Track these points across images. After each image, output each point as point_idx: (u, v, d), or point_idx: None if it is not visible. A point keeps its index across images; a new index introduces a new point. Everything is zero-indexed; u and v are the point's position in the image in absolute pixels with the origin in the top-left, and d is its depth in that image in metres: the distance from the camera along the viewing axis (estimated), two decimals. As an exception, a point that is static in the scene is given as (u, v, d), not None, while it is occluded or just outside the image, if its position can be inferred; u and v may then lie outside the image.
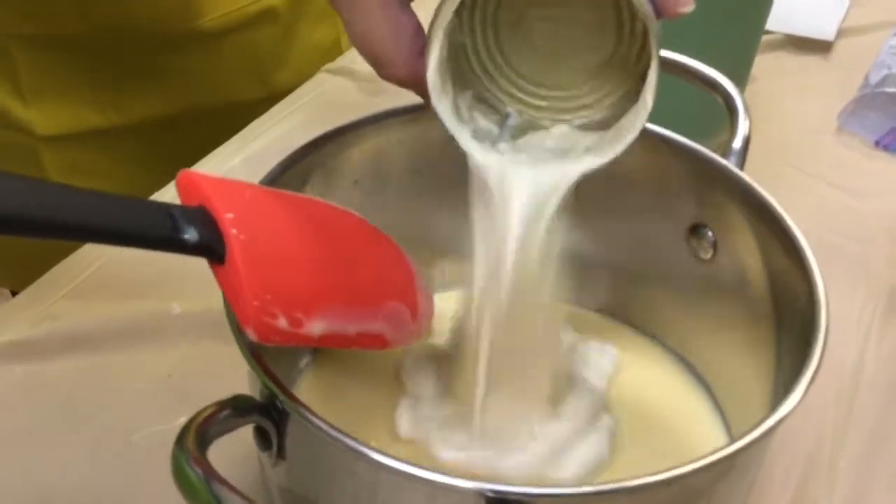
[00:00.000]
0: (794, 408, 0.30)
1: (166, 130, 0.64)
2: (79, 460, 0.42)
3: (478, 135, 0.35)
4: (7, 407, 0.44)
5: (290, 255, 0.31)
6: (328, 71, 0.69)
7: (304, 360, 0.44)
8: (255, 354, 0.30)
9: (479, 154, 0.34)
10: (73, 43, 0.59)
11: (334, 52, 0.72)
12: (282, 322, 0.30)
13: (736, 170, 0.40)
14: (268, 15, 0.66)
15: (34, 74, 0.60)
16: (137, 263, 0.51)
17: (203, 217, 0.29)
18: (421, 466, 0.28)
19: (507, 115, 0.37)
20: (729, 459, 0.29)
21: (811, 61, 0.74)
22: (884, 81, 0.66)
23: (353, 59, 0.70)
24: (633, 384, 0.45)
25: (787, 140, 0.66)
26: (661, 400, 0.45)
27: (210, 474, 0.25)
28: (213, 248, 0.29)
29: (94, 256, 0.51)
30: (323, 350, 0.45)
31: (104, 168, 0.64)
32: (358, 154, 0.42)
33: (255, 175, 0.38)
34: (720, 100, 0.43)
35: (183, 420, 0.42)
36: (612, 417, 0.42)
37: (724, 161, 0.40)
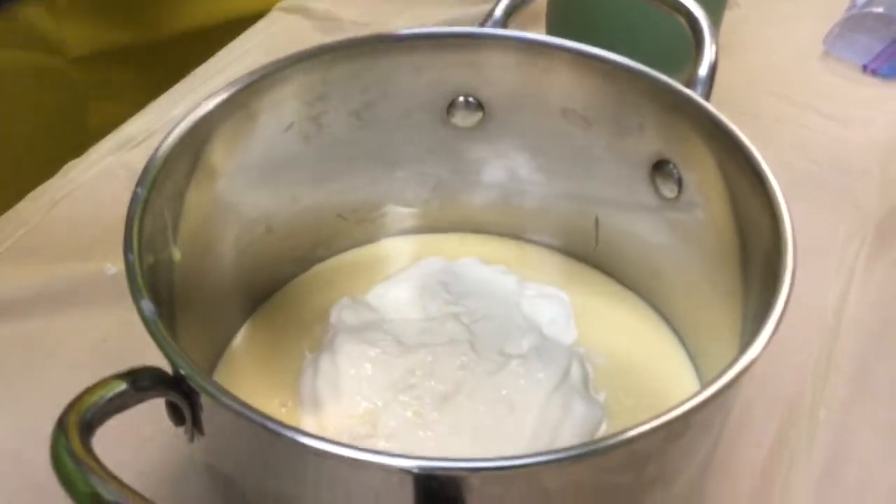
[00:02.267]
0: (753, 361, 0.27)
1: (198, 46, 0.62)
2: (6, 436, 0.40)
3: None
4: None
5: None
6: (282, 9, 0.65)
7: (242, 319, 0.42)
8: (156, 322, 0.27)
9: None
10: None
11: None
12: None
13: (701, 100, 0.37)
14: None
15: None
16: (68, 225, 0.48)
17: None
18: (337, 443, 0.25)
19: None
20: (682, 419, 0.26)
21: (797, -18, 0.70)
22: (871, 1, 0.62)
23: (306, -4, 0.66)
24: (599, 330, 0.43)
25: (771, 67, 0.62)
26: (629, 346, 0.42)
27: (85, 465, 0.22)
28: None
29: (20, 221, 0.48)
30: (262, 310, 0.42)
31: (136, 87, 0.62)
32: (290, 95, 0.38)
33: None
34: (684, 22, 0.39)
35: (118, 389, 0.39)
36: (584, 369, 0.40)
37: (687, 91, 0.37)
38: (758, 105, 0.59)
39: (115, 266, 0.45)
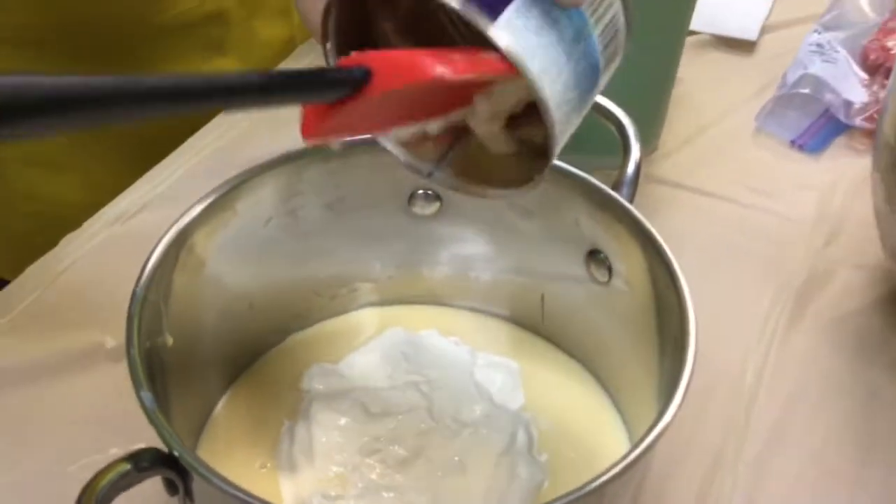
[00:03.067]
0: (654, 441, 0.33)
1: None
2: (19, 491, 0.44)
3: None
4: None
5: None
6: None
7: (224, 388, 0.47)
8: (154, 411, 0.33)
9: None
10: (30, 37, 0.61)
11: (288, 48, 0.75)
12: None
13: (625, 202, 0.42)
14: (219, 16, 0.68)
15: None
16: (69, 297, 0.53)
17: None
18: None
19: None
20: (597, 490, 0.32)
21: (736, 60, 0.76)
22: (800, 81, 0.68)
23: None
24: (544, 395, 0.48)
25: (708, 141, 0.68)
26: (570, 409, 0.48)
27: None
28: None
29: (26, 291, 0.53)
30: (243, 379, 0.48)
31: (63, 161, 0.66)
32: (269, 194, 0.44)
33: (181, 205, 0.41)
34: (613, 128, 0.45)
35: (115, 451, 0.45)
36: (529, 433, 0.45)
37: (614, 193, 0.43)
38: (694, 177, 0.65)
39: (113, 339, 0.50)
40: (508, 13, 0.28)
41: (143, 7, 0.63)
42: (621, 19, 0.31)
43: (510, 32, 0.28)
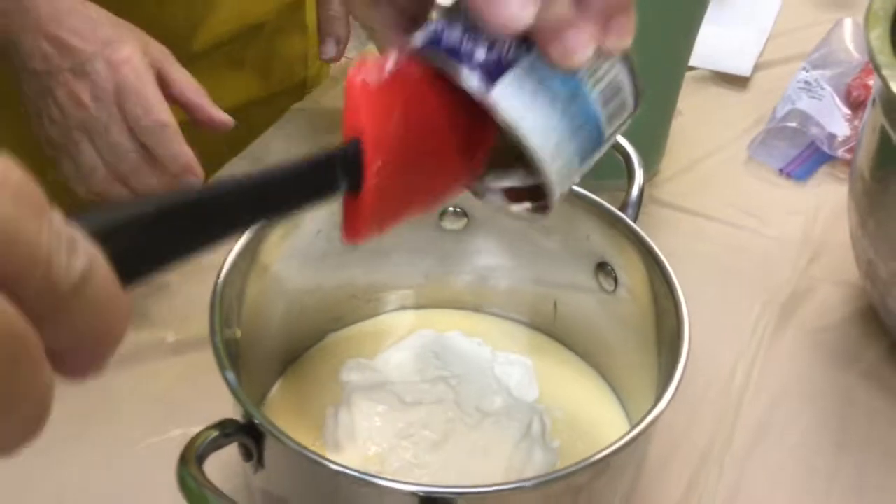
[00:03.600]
0: (646, 429, 0.39)
1: None
2: (93, 466, 0.51)
3: None
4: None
5: (410, 190, 0.33)
6: (298, 109, 0.77)
7: (275, 377, 0.53)
8: (237, 388, 0.39)
9: None
10: None
11: (302, 62, 0.81)
12: (375, 234, 0.34)
13: (630, 221, 0.49)
14: (244, 36, 0.73)
15: None
16: (138, 296, 0.60)
17: (356, 160, 0.31)
18: (367, 473, 0.37)
19: None
20: (603, 461, 0.38)
21: (731, 95, 0.83)
22: (787, 116, 0.75)
23: (317, 99, 0.79)
24: (556, 389, 0.54)
25: (704, 169, 0.75)
26: (579, 402, 0.54)
27: (203, 485, 0.34)
28: (354, 191, 0.32)
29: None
30: (291, 370, 0.54)
31: None
32: (321, 209, 0.50)
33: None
34: (619, 156, 0.52)
35: (176, 432, 0.51)
36: (543, 423, 0.51)
37: (621, 213, 0.49)
38: (692, 201, 0.71)
39: (174, 335, 0.57)
40: (504, 81, 0.31)
41: (182, 34, 0.69)
42: (625, 78, 0.34)
43: (505, 97, 0.31)
